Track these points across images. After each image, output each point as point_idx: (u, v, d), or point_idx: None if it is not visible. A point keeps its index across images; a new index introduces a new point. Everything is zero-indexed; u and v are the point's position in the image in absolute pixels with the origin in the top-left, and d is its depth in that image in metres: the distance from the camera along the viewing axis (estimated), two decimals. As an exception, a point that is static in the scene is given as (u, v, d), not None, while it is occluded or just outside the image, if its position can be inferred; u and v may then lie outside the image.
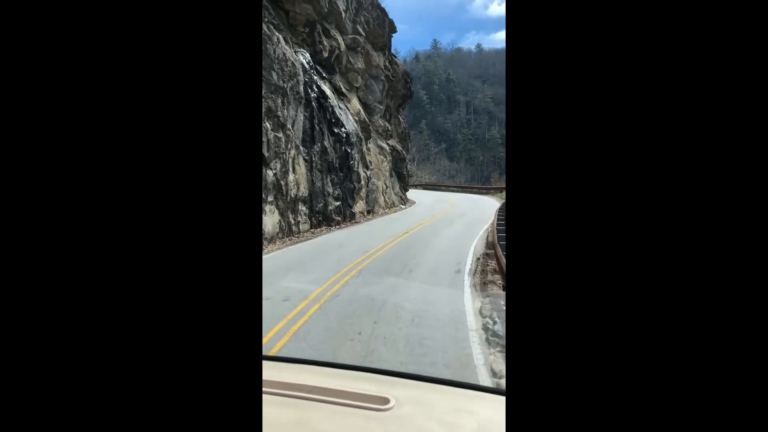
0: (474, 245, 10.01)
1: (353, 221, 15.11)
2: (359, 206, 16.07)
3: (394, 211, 18.92)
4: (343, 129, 14.84)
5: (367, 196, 16.85)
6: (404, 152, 23.18)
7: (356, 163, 15.60)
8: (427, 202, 23.18)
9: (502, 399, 1.04)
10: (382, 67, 19.34)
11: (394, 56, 22.22)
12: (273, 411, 0.92)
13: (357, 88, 17.90)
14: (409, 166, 26.40)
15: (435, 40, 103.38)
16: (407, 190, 24.46)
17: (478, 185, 37.07)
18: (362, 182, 16.24)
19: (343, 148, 14.78)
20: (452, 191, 33.74)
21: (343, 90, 16.33)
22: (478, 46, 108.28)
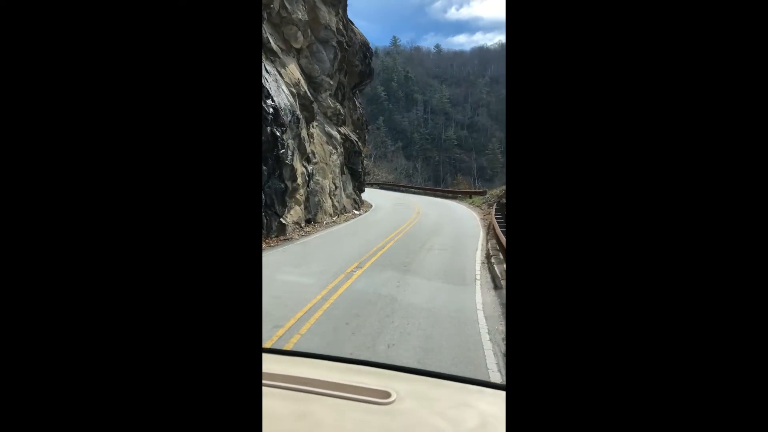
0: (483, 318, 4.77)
1: (282, 237, 10.13)
2: (294, 215, 11.04)
3: (345, 220, 13.99)
4: (270, 102, 9.81)
5: (306, 199, 11.87)
6: (360, 144, 18.29)
7: (290, 152, 10.54)
8: (386, 207, 18.56)
9: (503, 394, 1.01)
10: (334, 30, 14.35)
11: (351, 22, 17.27)
12: (274, 403, 0.92)
13: (298, 51, 12.86)
14: (366, 162, 21.58)
15: (395, 37, 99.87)
16: (363, 191, 19.63)
17: (441, 187, 32.60)
18: (299, 181, 11.23)
19: (270, 129, 9.76)
20: (413, 192, 29.10)
21: (274, 47, 11.28)
22: (437, 46, 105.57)
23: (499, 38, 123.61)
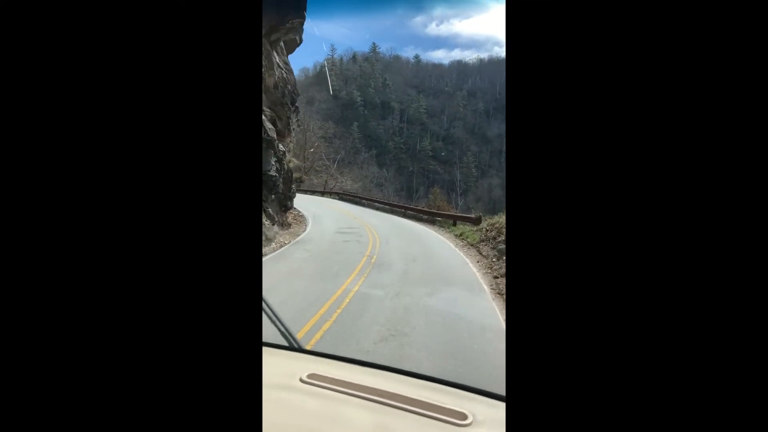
0: None
1: None
2: None
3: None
4: None
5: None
6: (274, 130, 10.71)
7: None
8: (325, 235, 11.04)
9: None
10: None
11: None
12: (354, 412, 0.91)
13: None
14: (292, 158, 13.81)
15: (374, 43, 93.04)
16: (289, 207, 12.10)
17: (415, 205, 25.01)
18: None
19: None
20: (376, 208, 21.58)
21: None
22: (416, 56, 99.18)
23: (477, 55, 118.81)
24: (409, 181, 65.92)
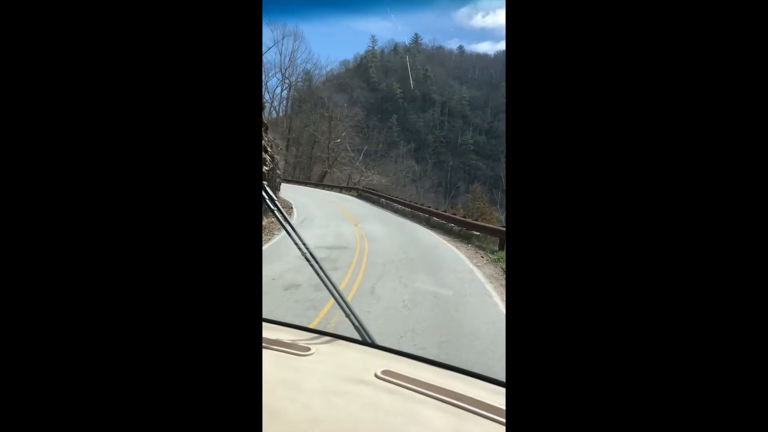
0: None
1: None
2: None
3: None
4: None
5: None
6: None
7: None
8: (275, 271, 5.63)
9: None
10: None
11: None
12: (431, 414, 0.88)
13: None
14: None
15: (416, 34, 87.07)
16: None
17: (450, 204, 19.37)
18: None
19: None
20: (396, 210, 16.16)
21: None
22: (460, 47, 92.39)
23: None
24: (449, 176, 60.61)
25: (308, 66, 43.26)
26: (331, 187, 26.13)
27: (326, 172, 32.32)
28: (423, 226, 12.56)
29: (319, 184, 28.35)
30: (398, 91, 73.68)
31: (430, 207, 15.63)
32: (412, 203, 16.60)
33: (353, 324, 1.28)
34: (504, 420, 0.84)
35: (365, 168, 31.61)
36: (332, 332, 1.27)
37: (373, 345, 1.24)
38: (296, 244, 1.29)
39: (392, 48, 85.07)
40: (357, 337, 1.27)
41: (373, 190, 22.26)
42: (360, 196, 21.77)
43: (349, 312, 1.28)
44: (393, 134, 61.38)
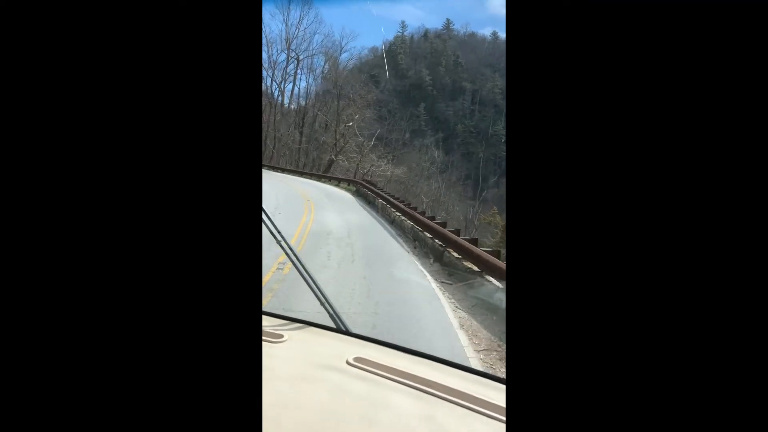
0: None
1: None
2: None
3: None
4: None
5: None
6: None
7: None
8: None
9: None
10: None
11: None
12: (403, 400, 0.87)
13: None
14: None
15: (448, 19, 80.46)
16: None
17: (479, 202, 13.82)
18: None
19: None
20: (393, 221, 10.63)
21: None
22: (494, 33, 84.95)
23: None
24: (478, 169, 54.82)
25: (329, 46, 37.64)
26: (329, 179, 20.98)
27: (332, 161, 27.15)
28: (423, 266, 6.90)
29: (314, 174, 23.27)
30: (427, 78, 68.38)
31: (444, 226, 8.21)
32: (417, 213, 9.66)
33: (328, 312, 1.26)
34: (473, 406, 0.85)
35: (377, 157, 26.18)
36: (306, 320, 1.21)
37: (347, 332, 1.21)
38: (267, 227, 1.20)
39: (422, 34, 79.45)
40: (332, 324, 1.24)
41: (373, 185, 16.76)
42: (357, 193, 16.46)
43: (323, 300, 1.26)
44: (420, 123, 56.29)
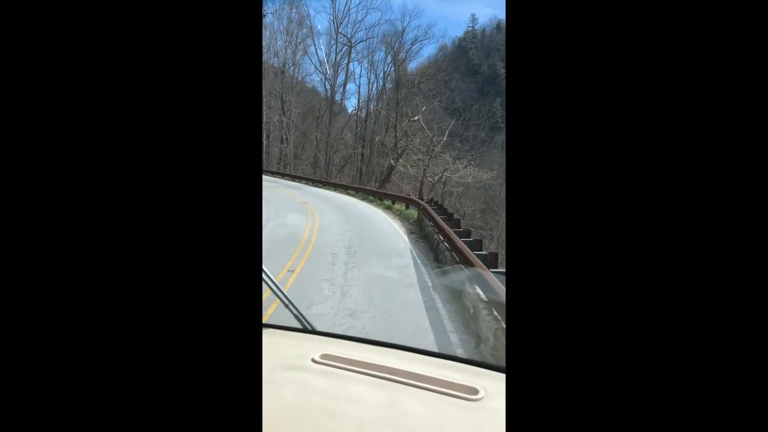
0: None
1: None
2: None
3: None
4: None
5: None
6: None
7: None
8: None
9: None
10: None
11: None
12: (364, 390, 0.88)
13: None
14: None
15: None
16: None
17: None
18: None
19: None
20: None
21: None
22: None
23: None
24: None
25: (389, 32, 30.98)
26: (380, 197, 14.07)
27: (392, 167, 20.25)
28: None
29: (361, 188, 16.51)
30: (502, 71, 59.60)
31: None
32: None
33: (292, 313, 1.26)
34: (436, 388, 0.86)
35: (452, 158, 18.83)
36: (271, 323, 1.20)
37: (313, 331, 1.22)
38: None
39: (495, 25, 70.55)
40: (297, 325, 1.26)
41: (440, 207, 9.39)
42: (419, 222, 9.42)
43: (287, 302, 1.25)
44: (497, 119, 47.91)
